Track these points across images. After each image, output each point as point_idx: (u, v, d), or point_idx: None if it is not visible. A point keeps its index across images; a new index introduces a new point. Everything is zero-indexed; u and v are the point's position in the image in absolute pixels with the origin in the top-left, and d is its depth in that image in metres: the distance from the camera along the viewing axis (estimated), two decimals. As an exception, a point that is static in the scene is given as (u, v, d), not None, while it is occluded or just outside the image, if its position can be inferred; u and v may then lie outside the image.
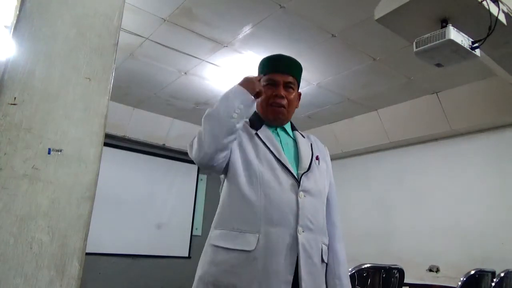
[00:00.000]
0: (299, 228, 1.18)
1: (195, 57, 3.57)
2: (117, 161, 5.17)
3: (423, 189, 4.30)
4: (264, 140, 1.30)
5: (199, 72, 3.88)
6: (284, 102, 1.33)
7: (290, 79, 1.36)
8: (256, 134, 1.31)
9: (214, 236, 1.23)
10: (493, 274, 2.31)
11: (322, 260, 1.26)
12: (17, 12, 0.93)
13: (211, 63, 3.68)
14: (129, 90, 4.45)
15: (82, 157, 0.94)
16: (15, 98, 0.87)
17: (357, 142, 4.97)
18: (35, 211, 0.86)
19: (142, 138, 5.37)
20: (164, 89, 4.36)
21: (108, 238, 4.92)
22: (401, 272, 1.63)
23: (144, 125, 5.23)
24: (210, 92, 4.33)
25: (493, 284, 2.22)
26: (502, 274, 2.31)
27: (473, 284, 2.09)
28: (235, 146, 1.26)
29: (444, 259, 3.90)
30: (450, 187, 4.06)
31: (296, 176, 1.25)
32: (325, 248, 1.28)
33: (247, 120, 1.37)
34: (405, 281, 1.70)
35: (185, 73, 3.92)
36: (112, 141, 5.08)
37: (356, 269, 1.39)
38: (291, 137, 1.40)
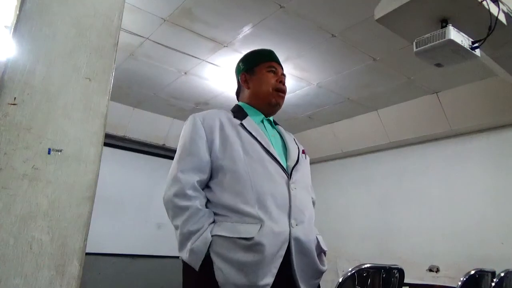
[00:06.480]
0: (292, 221, 1.15)
1: (195, 57, 3.57)
2: (117, 161, 5.16)
3: (423, 189, 4.30)
4: (251, 131, 1.25)
5: (199, 72, 3.88)
6: (286, 89, 1.37)
7: (283, 72, 1.41)
8: (241, 124, 1.27)
9: (215, 229, 1.17)
10: (493, 274, 2.31)
11: (321, 250, 1.24)
12: (17, 12, 0.93)
13: (211, 63, 3.68)
14: (129, 90, 4.45)
15: (82, 157, 0.94)
16: (15, 98, 0.87)
17: (357, 142, 4.96)
18: (35, 211, 0.86)
19: (142, 138, 5.37)
20: (164, 89, 4.36)
21: (108, 238, 4.91)
22: (401, 272, 1.63)
23: (144, 125, 5.22)
24: (210, 92, 4.33)
25: (493, 284, 2.21)
26: (502, 274, 2.30)
27: (473, 284, 2.09)
28: (218, 141, 1.23)
29: (444, 259, 3.90)
30: (450, 187, 4.05)
31: (286, 169, 1.23)
32: (319, 237, 1.26)
33: (230, 112, 1.35)
34: (405, 281, 1.69)
35: (185, 73, 3.92)
36: (112, 141, 5.07)
37: (356, 269, 1.39)
38: (276, 130, 1.39)
